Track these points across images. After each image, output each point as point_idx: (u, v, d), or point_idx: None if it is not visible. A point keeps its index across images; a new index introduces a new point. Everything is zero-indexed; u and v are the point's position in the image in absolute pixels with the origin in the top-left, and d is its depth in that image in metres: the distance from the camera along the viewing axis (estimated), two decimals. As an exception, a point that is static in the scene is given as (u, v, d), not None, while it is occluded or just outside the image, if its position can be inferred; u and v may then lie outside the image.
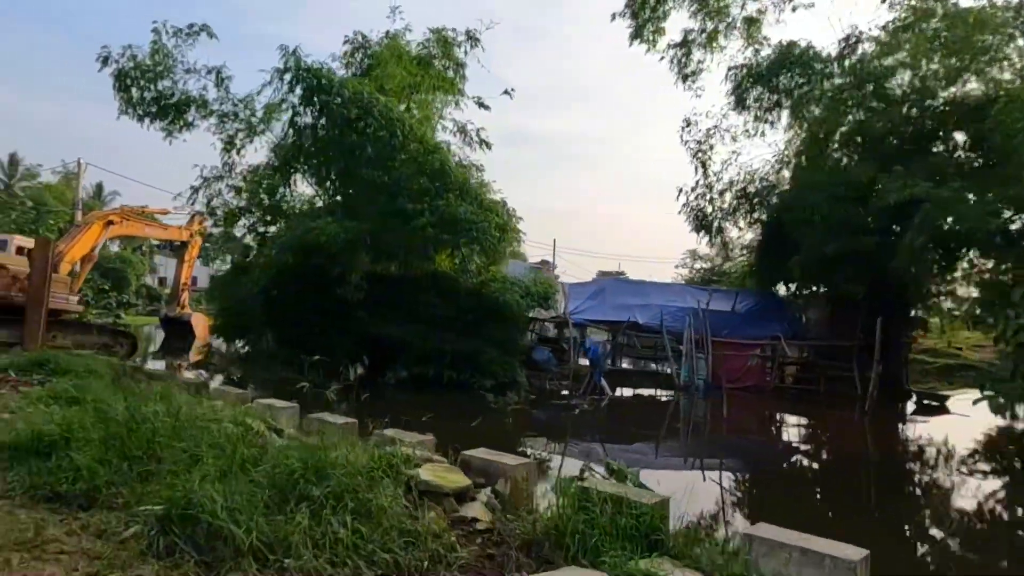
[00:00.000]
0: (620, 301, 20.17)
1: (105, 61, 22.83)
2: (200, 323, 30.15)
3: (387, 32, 21.84)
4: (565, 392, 17.22)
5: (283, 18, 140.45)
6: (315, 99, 16.10)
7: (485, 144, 22.34)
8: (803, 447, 13.69)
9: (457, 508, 5.35)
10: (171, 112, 23.40)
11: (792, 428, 15.61)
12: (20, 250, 22.23)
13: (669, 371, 18.81)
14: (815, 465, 12.00)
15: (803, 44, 18.91)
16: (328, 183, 18.26)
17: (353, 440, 7.85)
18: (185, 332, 28.88)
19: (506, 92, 21.82)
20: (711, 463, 10.74)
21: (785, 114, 19.60)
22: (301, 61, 16.52)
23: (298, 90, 16.55)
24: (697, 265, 43.71)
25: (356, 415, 8.15)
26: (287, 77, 16.68)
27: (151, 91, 23.09)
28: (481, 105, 21.34)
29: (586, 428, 13.90)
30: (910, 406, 18.72)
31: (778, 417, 16.75)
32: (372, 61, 22.67)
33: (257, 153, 24.18)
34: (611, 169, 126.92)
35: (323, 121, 16.48)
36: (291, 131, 17.70)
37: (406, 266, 17.15)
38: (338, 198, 18.11)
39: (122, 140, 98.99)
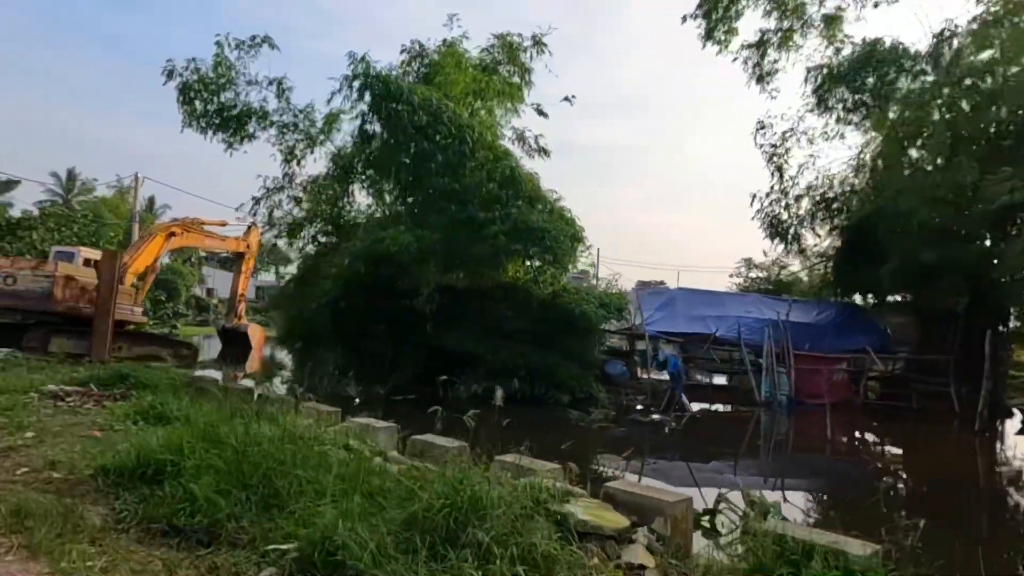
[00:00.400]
0: (694, 312, 19.29)
1: (170, 75, 23.04)
2: (256, 334, 30.24)
3: (444, 40, 21.55)
4: (640, 407, 16.42)
5: (325, 35, 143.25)
6: (384, 106, 15.75)
7: (543, 152, 21.84)
8: (920, 471, 12.61)
9: (619, 552, 4.69)
10: (233, 124, 23.53)
11: (897, 449, 14.50)
12: (87, 262, 22.46)
13: (748, 386, 17.82)
14: (945, 493, 10.92)
15: (888, 41, 17.90)
16: (396, 192, 17.89)
17: (465, 464, 7.27)
18: (242, 343, 28.95)
19: (566, 99, 21.26)
20: (839, 491, 9.86)
21: (870, 115, 18.52)
22: (371, 67, 16.23)
23: (367, 97, 16.24)
24: (752, 274, 42.36)
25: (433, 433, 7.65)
26: (356, 84, 16.41)
27: (214, 103, 23.24)
28: (540, 112, 20.84)
29: (683, 448, 13.07)
30: (1015, 424, 17.38)
31: (877, 436, 15.64)
32: (429, 70, 22.40)
33: (316, 163, 24.04)
34: (652, 179, 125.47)
35: (392, 128, 16.12)
36: (359, 139, 17.41)
37: (476, 277, 16.63)
38: (402, 208, 17.73)
39: (171, 157, 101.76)
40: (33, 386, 10.55)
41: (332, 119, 23.44)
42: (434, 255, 15.26)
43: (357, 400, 14.33)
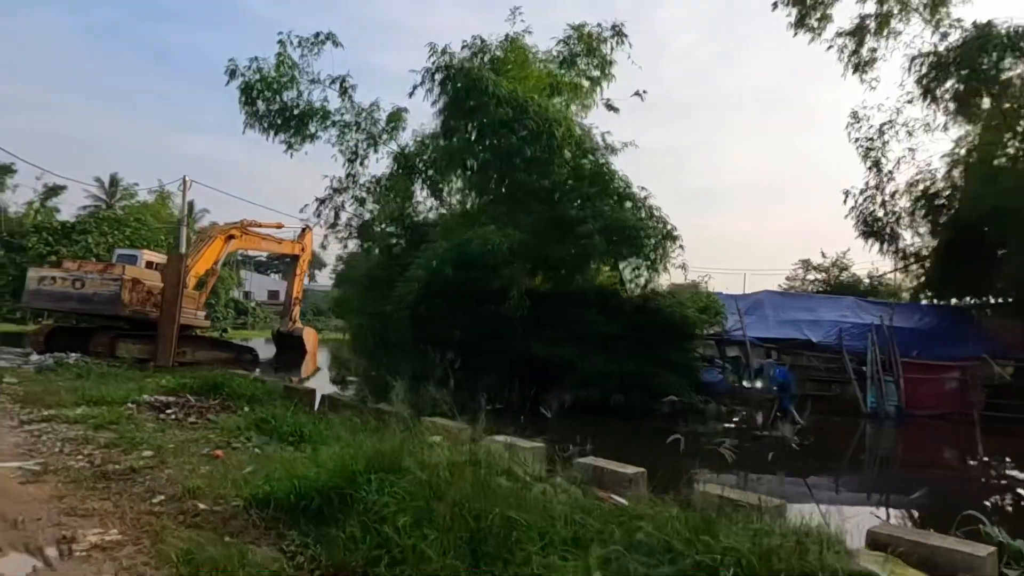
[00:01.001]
0: (784, 316, 18.15)
1: (232, 74, 22.57)
2: (311, 338, 29.79)
3: (506, 36, 20.72)
4: (735, 419, 15.37)
5: (378, 45, 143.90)
6: (467, 100, 14.97)
7: (611, 149, 20.89)
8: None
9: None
10: (294, 124, 23.01)
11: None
12: (149, 264, 22.13)
13: (849, 396, 16.59)
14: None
15: (1004, 25, 16.55)
16: (475, 190, 17.08)
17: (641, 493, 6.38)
18: (297, 347, 28.48)
19: (636, 94, 20.25)
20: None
21: (984, 103, 17.19)
22: (454, 59, 15.47)
23: (448, 91, 15.47)
24: (811, 276, 40.82)
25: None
26: (438, 77, 15.65)
27: (276, 103, 22.75)
28: (610, 107, 19.84)
29: (812, 465, 11.96)
30: None
31: (1007, 453, 14.34)
32: (492, 65, 21.61)
33: (378, 164, 23.39)
34: (692, 179, 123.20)
35: (474, 123, 15.32)
36: (441, 135, 16.65)
37: (564, 280, 15.74)
38: (484, 207, 16.88)
39: (210, 164, 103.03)
40: (128, 396, 9.93)
41: (395, 117, 22.84)
42: (523, 256, 14.40)
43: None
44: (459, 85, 15.10)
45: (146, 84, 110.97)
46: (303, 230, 29.80)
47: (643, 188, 15.64)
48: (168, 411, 9.17)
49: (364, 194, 22.68)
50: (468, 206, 17.71)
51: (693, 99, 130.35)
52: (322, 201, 22.57)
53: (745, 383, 16.71)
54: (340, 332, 23.38)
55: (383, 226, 19.39)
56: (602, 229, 14.42)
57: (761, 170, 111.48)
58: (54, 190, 54.95)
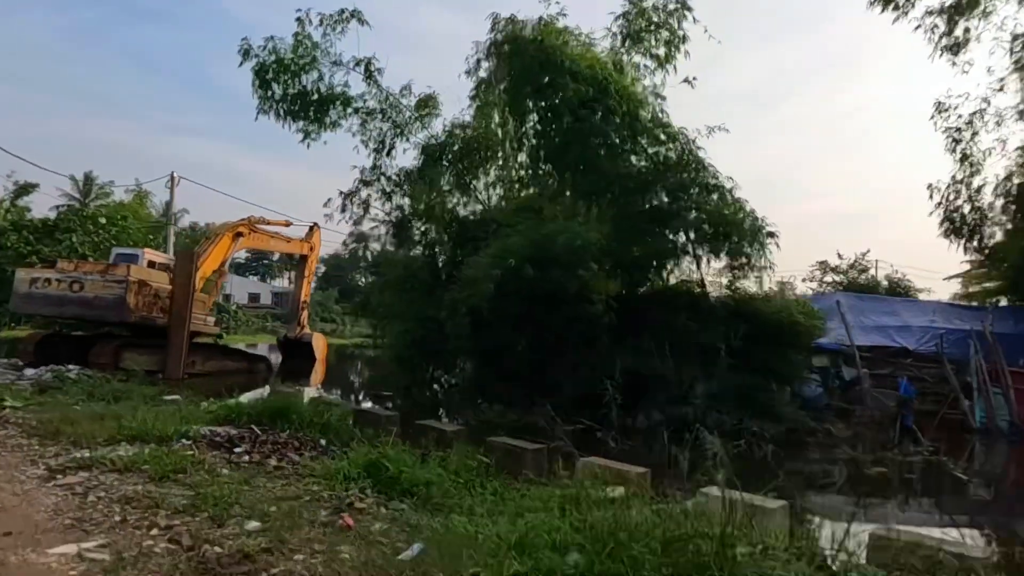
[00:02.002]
0: (869, 321, 16.58)
1: (246, 54, 20.43)
2: (320, 345, 27.55)
3: (540, 19, 18.91)
4: (834, 433, 13.71)
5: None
6: (542, 75, 13.09)
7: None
8: None
9: None
10: (313, 110, 20.94)
11: None
12: (151, 264, 19.83)
13: (952, 410, 15.03)
14: None
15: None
16: (541, 177, 15.17)
17: None
18: (306, 355, 26.22)
19: (686, 81, 18.54)
20: None
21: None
22: (521, 28, 13.57)
23: (517, 64, 13.55)
24: (828, 278, 39.68)
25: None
26: (506, 49, 13.72)
27: (294, 86, 20.66)
28: (687, 81, 18.05)
29: (965, 491, 10.32)
30: None
31: None
32: None
33: (405, 155, 21.36)
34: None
35: (547, 103, 13.45)
36: (508, 118, 14.73)
37: (646, 280, 13.94)
38: (535, 194, 15.00)
39: (190, 167, 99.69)
40: (178, 428, 7.85)
41: (425, 103, 20.88)
42: (608, 254, 12.58)
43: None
44: (531, 57, 13.19)
45: (126, 85, 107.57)
46: (311, 228, 27.62)
47: (730, 178, 13.89)
48: (237, 450, 7.14)
49: (391, 187, 20.73)
50: (530, 196, 15.73)
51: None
52: (348, 195, 20.53)
53: (836, 396, 15.06)
54: (369, 338, 21.22)
55: (422, 223, 17.37)
56: (701, 223, 12.68)
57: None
58: (25, 188, 51.56)
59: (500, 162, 19.77)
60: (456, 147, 19.50)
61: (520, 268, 12.15)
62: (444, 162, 19.51)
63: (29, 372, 14.32)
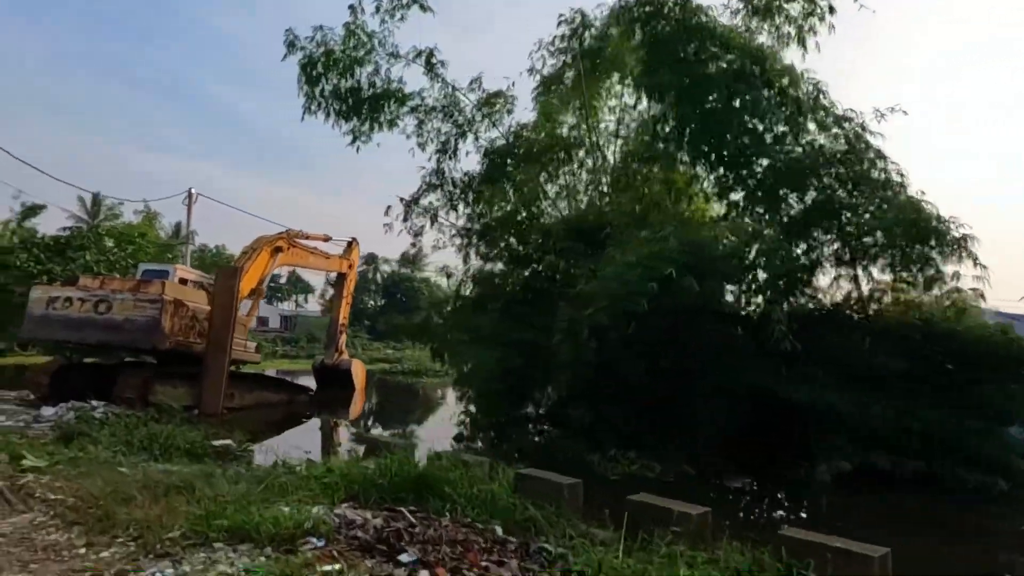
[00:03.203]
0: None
1: (291, 46, 18.22)
2: (359, 372, 24.91)
3: (611, 8, 16.61)
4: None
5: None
6: (689, 42, 10.68)
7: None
8: None
9: None
10: (366, 108, 18.63)
11: None
12: (182, 282, 17.32)
13: None
14: None
15: None
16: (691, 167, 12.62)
17: None
18: (344, 382, 23.57)
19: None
20: None
21: None
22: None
23: (658, 31, 11.15)
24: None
25: None
26: (643, 12, 11.31)
27: (347, 81, 18.37)
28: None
29: None
30: None
31: None
32: (597, 43, 17.57)
33: (468, 158, 18.97)
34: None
35: (692, 77, 11.01)
36: (645, 101, 12.30)
37: (806, 293, 11.39)
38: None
39: (183, 187, 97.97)
40: (295, 516, 5.20)
41: (494, 99, 18.53)
42: (769, 259, 10.06)
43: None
44: (675, 21, 10.80)
45: (104, 99, 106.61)
46: (349, 244, 25.21)
47: (901, 174, 11.37)
48: (404, 558, 4.50)
49: (458, 193, 18.30)
50: (653, 192, 13.18)
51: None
52: (411, 202, 18.06)
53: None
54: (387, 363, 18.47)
55: (504, 232, 14.85)
56: (874, 225, 10.17)
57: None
58: (32, 209, 49.52)
59: (587, 161, 17.40)
60: (535, 147, 17.14)
61: (681, 278, 9.58)
62: (519, 163, 17.12)
63: (47, 412, 11.71)
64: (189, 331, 15.03)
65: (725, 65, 10.46)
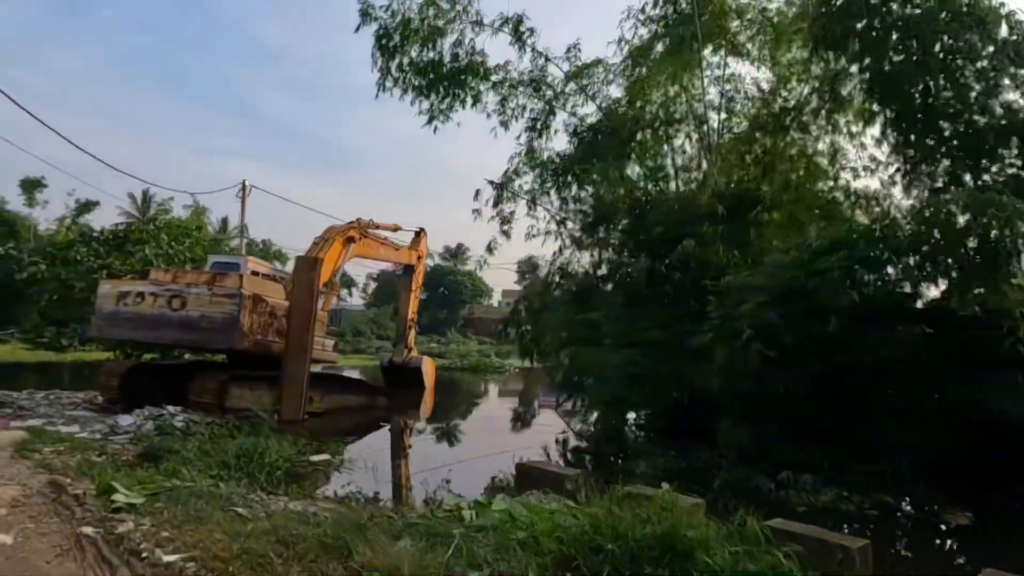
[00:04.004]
0: None
1: (365, 16, 16.65)
2: (430, 370, 23.43)
3: None
4: None
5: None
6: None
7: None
8: None
9: None
10: (445, 84, 17.01)
11: None
12: (255, 275, 15.96)
13: None
14: None
15: None
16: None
17: None
18: (411, 381, 22.07)
19: None
20: None
21: None
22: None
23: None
24: None
25: None
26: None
27: (428, 52, 16.76)
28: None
29: None
30: None
31: None
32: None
33: (558, 136, 17.20)
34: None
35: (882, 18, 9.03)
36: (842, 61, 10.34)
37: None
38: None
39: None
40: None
41: (589, 70, 16.75)
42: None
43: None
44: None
45: (165, 109, 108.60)
46: (417, 234, 23.63)
47: None
48: None
49: (547, 173, 16.58)
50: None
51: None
52: (501, 186, 16.42)
53: None
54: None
55: (625, 217, 13.04)
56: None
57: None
58: (86, 206, 49.96)
59: (693, 135, 15.53)
60: (640, 121, 15.33)
61: (877, 265, 7.66)
62: (623, 139, 15.34)
63: (124, 421, 10.38)
64: (267, 328, 13.65)
65: (925, 3, 8.48)
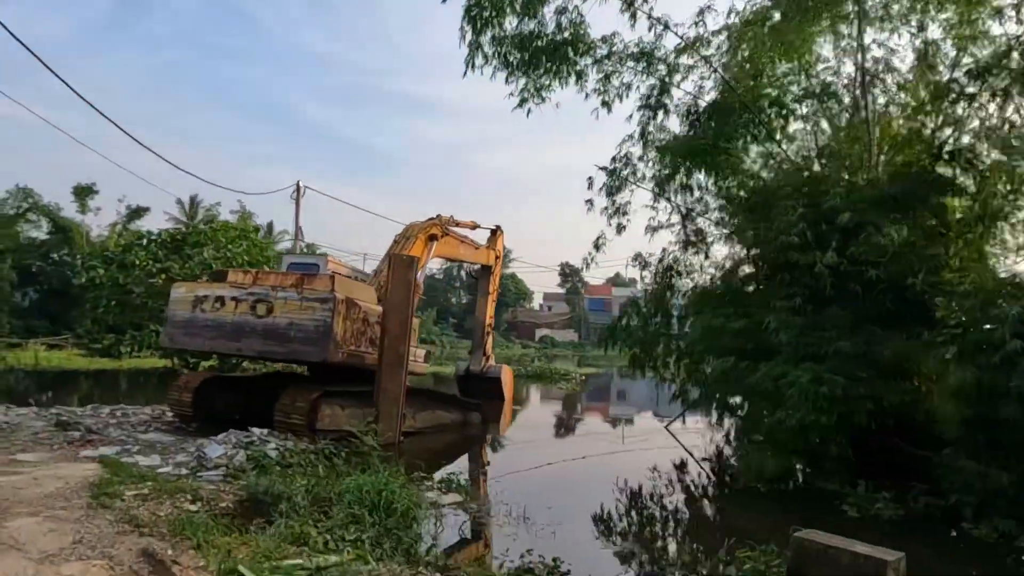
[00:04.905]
0: None
1: (449, -15, 14.78)
2: (509, 380, 21.52)
3: None
4: None
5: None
6: None
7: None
8: None
9: None
10: (545, 58, 15.03)
11: None
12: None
13: None
14: None
15: None
16: None
17: None
18: (488, 392, 20.10)
19: None
20: None
21: None
22: None
23: None
24: None
25: None
26: None
27: (528, 22, 14.82)
28: None
29: None
30: None
31: None
32: None
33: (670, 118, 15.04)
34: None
35: None
36: None
37: None
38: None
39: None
40: None
41: (707, 41, 14.62)
42: None
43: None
44: None
45: (207, 118, 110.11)
46: (493, 232, 21.79)
47: None
48: None
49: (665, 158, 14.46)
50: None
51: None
52: (612, 172, 14.40)
53: None
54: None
55: (778, 211, 10.77)
56: None
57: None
58: (137, 212, 49.68)
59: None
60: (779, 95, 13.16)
61: None
62: (752, 117, 13.19)
63: (212, 452, 8.60)
64: (360, 337, 11.85)
65: None
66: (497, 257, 21.59)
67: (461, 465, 12.46)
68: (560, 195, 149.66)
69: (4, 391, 21.13)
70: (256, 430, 10.44)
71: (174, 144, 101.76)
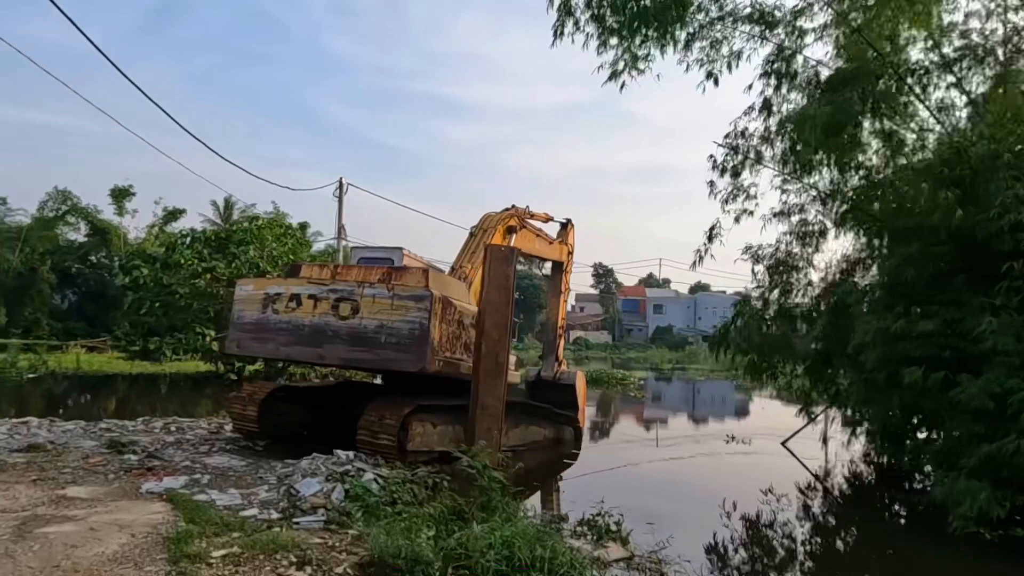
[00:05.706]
0: None
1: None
2: (582, 387, 19.55)
3: None
4: None
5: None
6: None
7: None
8: None
9: None
10: (647, 20, 13.11)
11: None
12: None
13: None
14: None
15: None
16: None
17: None
18: (560, 400, 18.12)
19: None
20: None
21: None
22: None
23: None
24: None
25: None
26: None
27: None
28: None
29: None
30: None
31: None
32: None
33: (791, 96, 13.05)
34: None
35: None
36: None
37: None
38: None
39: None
40: None
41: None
42: None
43: None
44: None
45: (236, 122, 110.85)
46: (563, 226, 19.84)
47: None
48: None
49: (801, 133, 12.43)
50: None
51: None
52: (734, 150, 12.44)
53: None
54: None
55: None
56: None
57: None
58: (173, 214, 49.09)
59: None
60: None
61: None
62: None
63: (307, 488, 6.84)
64: (455, 343, 10.05)
65: None
66: (570, 252, 19.64)
67: (585, 495, 10.59)
68: (589, 195, 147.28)
69: (49, 397, 19.91)
70: (341, 453, 8.73)
71: (202, 147, 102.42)
